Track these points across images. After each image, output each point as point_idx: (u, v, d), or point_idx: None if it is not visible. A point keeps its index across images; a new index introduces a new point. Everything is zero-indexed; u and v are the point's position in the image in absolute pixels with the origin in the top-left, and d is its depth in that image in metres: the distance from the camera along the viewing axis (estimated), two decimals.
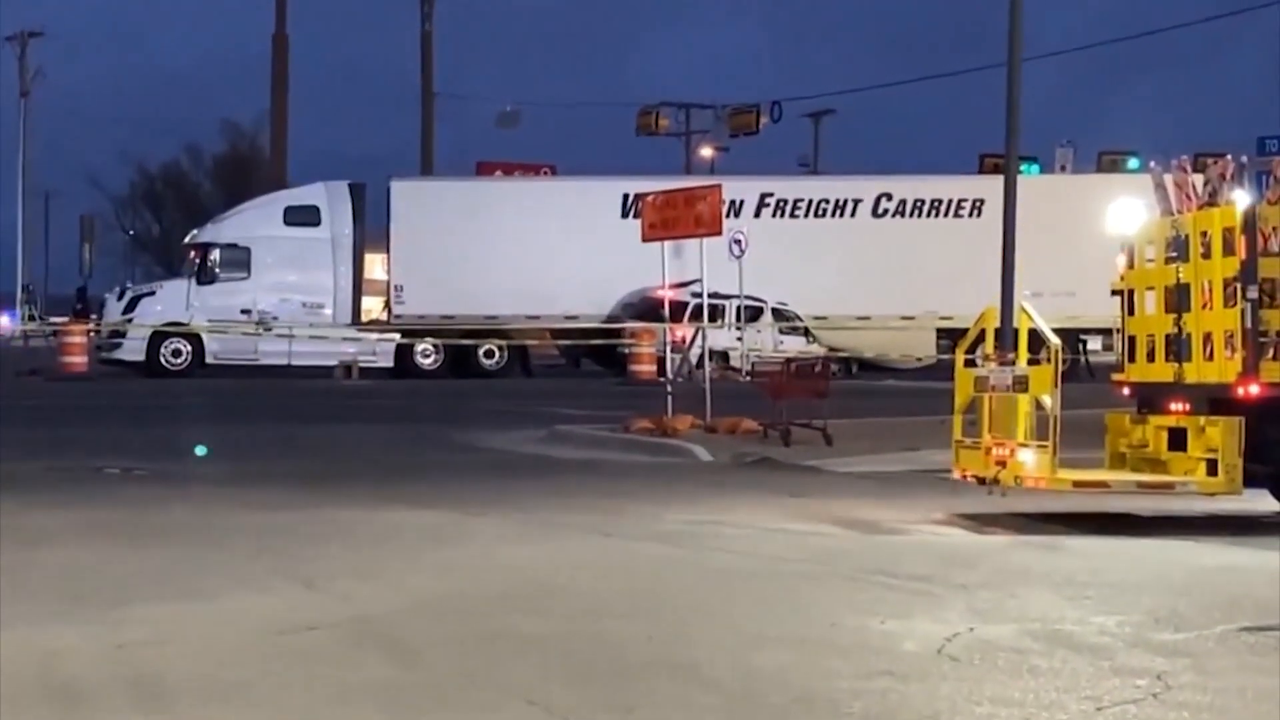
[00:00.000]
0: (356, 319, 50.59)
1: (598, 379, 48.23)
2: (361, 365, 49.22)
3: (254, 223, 51.22)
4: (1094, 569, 13.65)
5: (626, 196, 48.32)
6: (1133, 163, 52.46)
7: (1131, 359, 18.15)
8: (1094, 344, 49.59)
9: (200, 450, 22.80)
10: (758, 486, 20.14)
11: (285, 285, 50.18)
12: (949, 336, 44.22)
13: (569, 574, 13.18)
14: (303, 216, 50.77)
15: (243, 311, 49.45)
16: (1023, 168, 40.01)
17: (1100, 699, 8.88)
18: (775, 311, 49.28)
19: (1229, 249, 16.30)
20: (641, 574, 13.32)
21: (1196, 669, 9.65)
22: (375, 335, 50.25)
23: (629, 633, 10.64)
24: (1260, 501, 17.11)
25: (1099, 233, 18.70)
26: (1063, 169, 57.29)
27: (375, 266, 51.59)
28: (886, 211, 51.10)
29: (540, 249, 49.33)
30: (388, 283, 50.57)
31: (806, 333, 49.33)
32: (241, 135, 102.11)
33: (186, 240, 55.34)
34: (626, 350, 47.38)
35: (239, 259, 50.15)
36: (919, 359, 49.87)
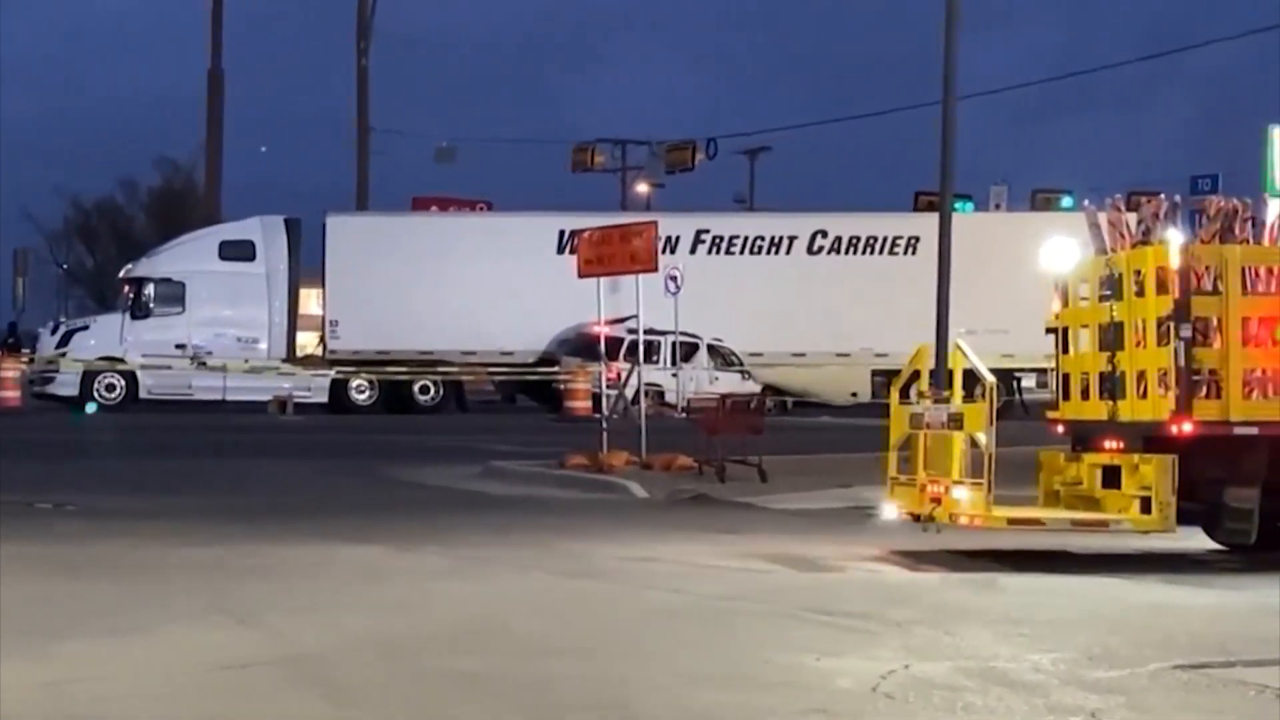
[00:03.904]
0: (291, 354, 50.43)
1: (533, 415, 48.17)
2: (296, 401, 49.04)
3: (188, 257, 51.05)
4: (1028, 606, 13.68)
5: (562, 233, 48.37)
6: (1066, 201, 52.82)
7: (1065, 397, 18.23)
8: (1028, 382, 49.81)
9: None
10: (693, 523, 20.12)
11: (220, 320, 50.02)
12: (884, 374, 44.32)
13: (504, 611, 13.13)
14: (238, 251, 50.64)
15: (177, 346, 49.25)
16: (957, 205, 40.26)
17: None
18: (710, 348, 49.33)
19: (1162, 288, 16.40)
20: (576, 611, 13.28)
21: (1130, 706, 9.67)
22: (310, 371, 50.07)
23: (564, 671, 10.60)
24: (1193, 539, 17.20)
25: (1033, 271, 18.78)
26: (997, 207, 57.60)
27: (310, 301, 51.46)
28: (822, 248, 51.26)
29: (476, 285, 49.27)
30: (323, 318, 50.44)
31: (742, 369, 49.37)
32: (177, 170, 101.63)
33: (121, 275, 55.06)
34: (562, 386, 47.36)
35: (173, 294, 49.98)
36: (854, 396, 49.97)
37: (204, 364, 48.84)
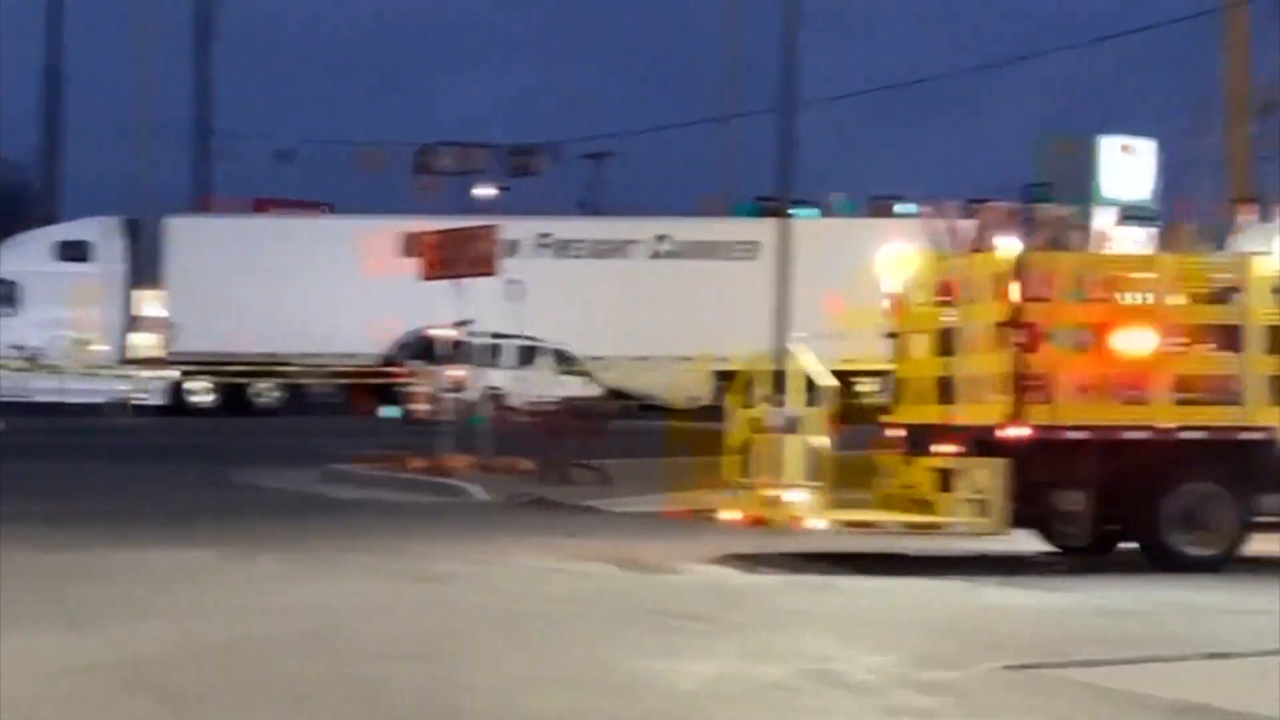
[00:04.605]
0: (131, 356, 49.89)
1: (375, 418, 47.91)
2: (135, 403, 48.48)
3: (24, 257, 50.37)
4: (864, 608, 13.84)
5: (405, 235, 48.16)
6: (906, 208, 53.21)
7: (902, 401, 18.47)
8: (867, 386, 50.18)
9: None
10: (534, 526, 20.15)
11: (57, 321, 49.35)
12: (725, 377, 44.49)
13: (342, 615, 13.09)
14: (75, 252, 50.07)
15: (12, 347, 48.54)
16: (798, 211, 40.58)
17: None
18: (553, 351, 49.33)
19: (997, 294, 16.65)
20: (416, 616, 13.27)
21: (962, 707, 9.82)
22: (150, 372, 49.55)
23: (401, 675, 10.59)
24: (1026, 542, 17.46)
25: (872, 276, 19.01)
26: (838, 214, 57.94)
27: (151, 303, 50.94)
28: (664, 253, 51.47)
29: (318, 287, 49.03)
30: (163, 319, 49.96)
31: (584, 373, 49.41)
32: (11, 169, 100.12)
33: None
34: (404, 389, 47.15)
35: (7, 294, 49.32)
36: (695, 399, 50.11)
37: (39, 365, 48.15)
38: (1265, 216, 21.30)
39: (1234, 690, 10.31)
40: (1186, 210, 35.74)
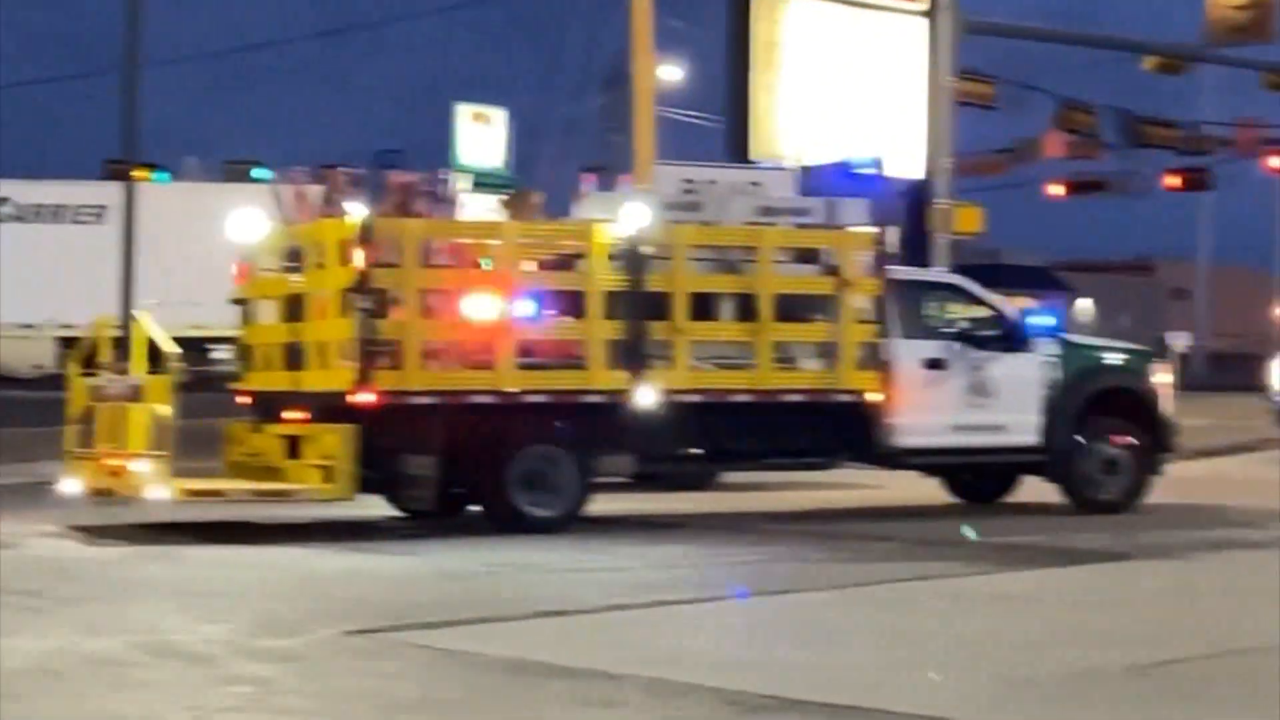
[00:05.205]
0: None
1: None
2: None
3: None
4: (208, 578, 13.63)
5: None
6: (259, 172, 52.67)
7: (251, 368, 18.31)
8: (222, 353, 49.59)
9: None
10: None
11: None
12: (71, 344, 43.29)
13: None
14: None
15: None
16: (151, 175, 39.79)
17: (202, 708, 8.78)
18: None
19: (344, 259, 16.60)
20: None
21: (301, 673, 9.72)
22: None
23: None
24: (375, 507, 17.53)
25: (225, 242, 18.71)
26: (190, 178, 57.04)
27: None
28: (4, 216, 49.74)
29: None
30: None
31: None
32: None
33: None
34: None
35: None
36: (39, 368, 48.63)
37: None
38: (609, 185, 21.92)
39: (568, 647, 10.51)
40: (536, 178, 36.55)
